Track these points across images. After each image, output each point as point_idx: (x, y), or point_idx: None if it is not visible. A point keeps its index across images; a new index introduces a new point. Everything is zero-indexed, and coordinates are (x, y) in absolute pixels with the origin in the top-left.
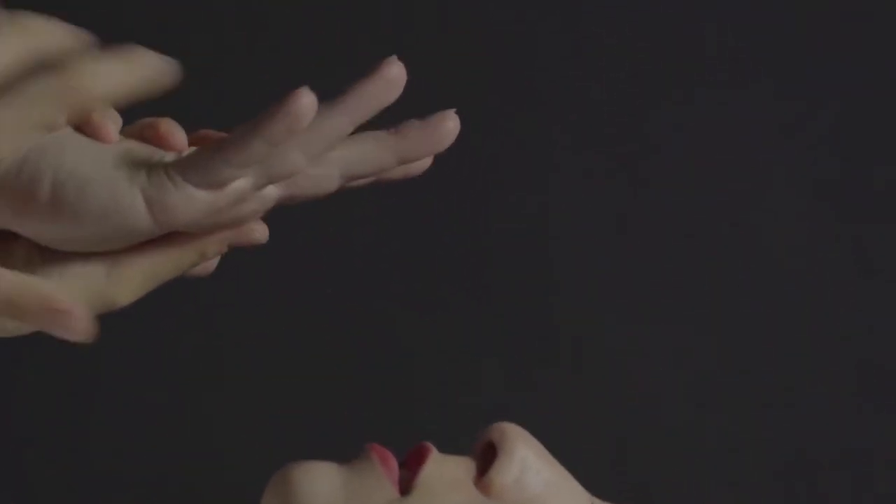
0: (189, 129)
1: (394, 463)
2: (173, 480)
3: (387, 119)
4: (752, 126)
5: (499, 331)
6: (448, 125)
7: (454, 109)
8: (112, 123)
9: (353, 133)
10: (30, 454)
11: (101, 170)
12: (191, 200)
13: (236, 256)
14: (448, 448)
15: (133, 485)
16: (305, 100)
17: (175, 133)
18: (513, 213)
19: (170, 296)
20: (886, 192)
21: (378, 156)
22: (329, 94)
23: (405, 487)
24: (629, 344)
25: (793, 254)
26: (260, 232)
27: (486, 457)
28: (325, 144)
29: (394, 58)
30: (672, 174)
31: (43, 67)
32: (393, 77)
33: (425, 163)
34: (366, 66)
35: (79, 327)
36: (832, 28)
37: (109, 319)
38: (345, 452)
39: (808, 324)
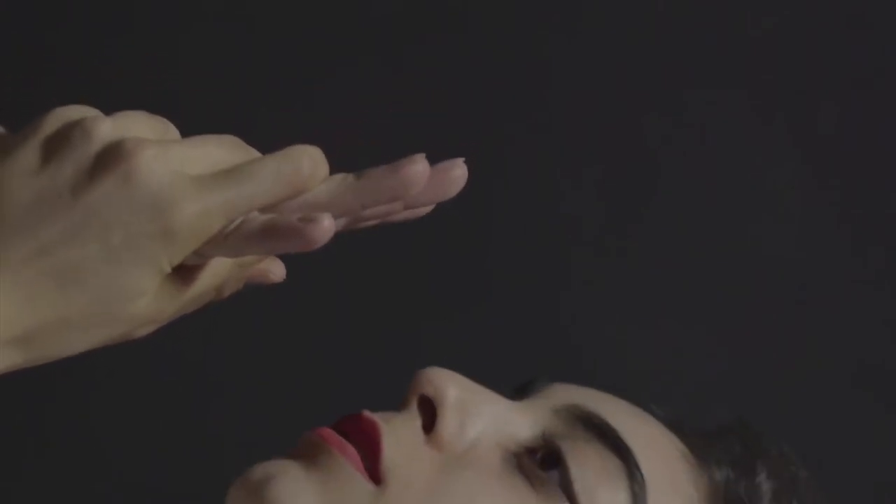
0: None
1: (352, 450)
2: (173, 480)
3: (388, 126)
4: (752, 126)
5: (499, 333)
6: (457, 173)
7: (463, 158)
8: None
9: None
10: (29, 455)
11: None
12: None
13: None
14: None
15: (133, 483)
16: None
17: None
18: (512, 216)
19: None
20: (886, 194)
21: (384, 206)
22: (330, 95)
23: (374, 475)
24: (629, 345)
25: (791, 254)
26: (276, 273)
27: (425, 408)
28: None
29: (421, 156)
30: (672, 174)
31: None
32: (415, 175)
33: (429, 208)
34: (366, 67)
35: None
36: (832, 28)
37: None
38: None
39: (807, 324)
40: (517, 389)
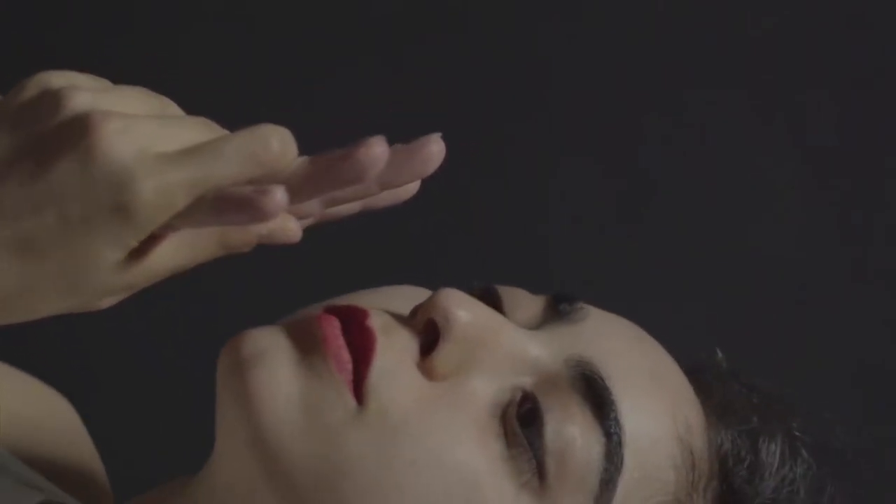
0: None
1: (346, 359)
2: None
3: (388, 126)
4: (752, 126)
5: None
6: (432, 149)
7: (439, 133)
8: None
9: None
10: None
11: None
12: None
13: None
14: None
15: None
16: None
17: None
18: (512, 215)
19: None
20: (886, 194)
21: (361, 186)
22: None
23: (358, 389)
24: None
25: (791, 254)
26: (292, 230)
27: (432, 328)
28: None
29: (378, 139)
30: (672, 174)
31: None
32: (372, 157)
33: (412, 188)
34: (366, 67)
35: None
36: (832, 28)
37: (108, 317)
38: None
39: (807, 324)
40: (556, 298)
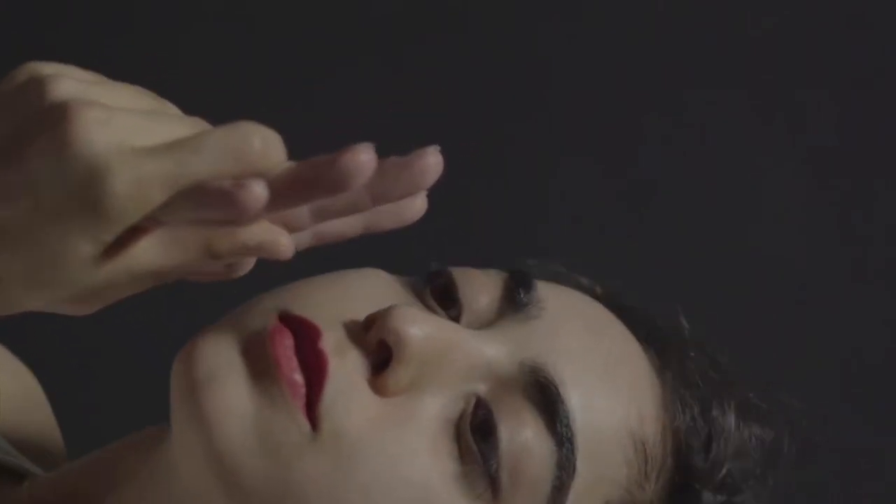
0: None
1: (300, 386)
2: None
3: (388, 127)
4: (752, 126)
5: None
6: (429, 161)
7: (437, 146)
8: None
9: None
10: None
11: None
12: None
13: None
14: None
15: None
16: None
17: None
18: (511, 215)
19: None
20: (886, 194)
21: (353, 197)
22: (333, 96)
23: (311, 412)
24: None
25: (791, 254)
26: (284, 245)
27: (382, 349)
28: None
29: (366, 146)
30: (672, 174)
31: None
32: (360, 164)
33: (419, 208)
34: (366, 67)
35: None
36: (832, 28)
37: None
38: None
39: (807, 324)
40: (514, 280)
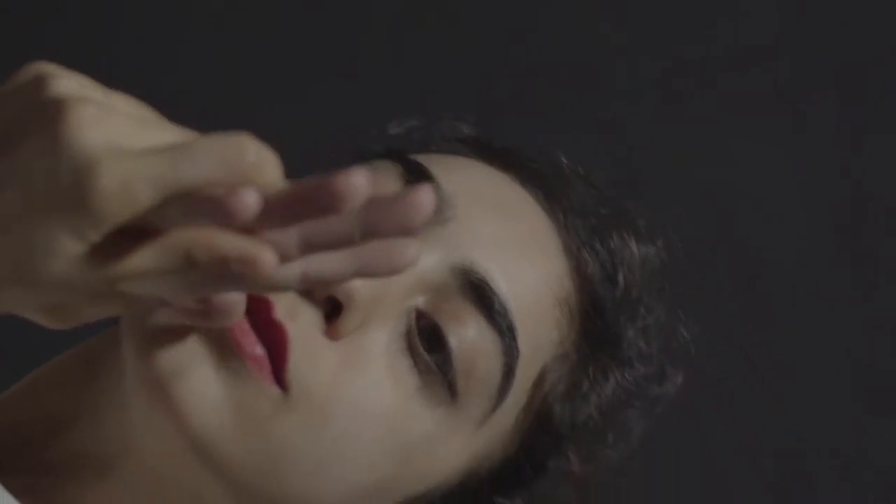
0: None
1: (261, 353)
2: None
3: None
4: (753, 126)
5: None
6: (422, 199)
7: (429, 185)
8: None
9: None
10: None
11: None
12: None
13: None
14: None
15: None
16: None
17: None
18: None
19: None
20: (888, 194)
21: (342, 228)
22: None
23: (280, 379)
24: None
25: (791, 254)
26: (268, 263)
27: (331, 301)
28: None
29: (362, 170)
30: (672, 174)
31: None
32: (353, 187)
33: (412, 256)
34: (366, 68)
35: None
36: (832, 28)
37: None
38: None
39: (806, 325)
40: (408, 172)
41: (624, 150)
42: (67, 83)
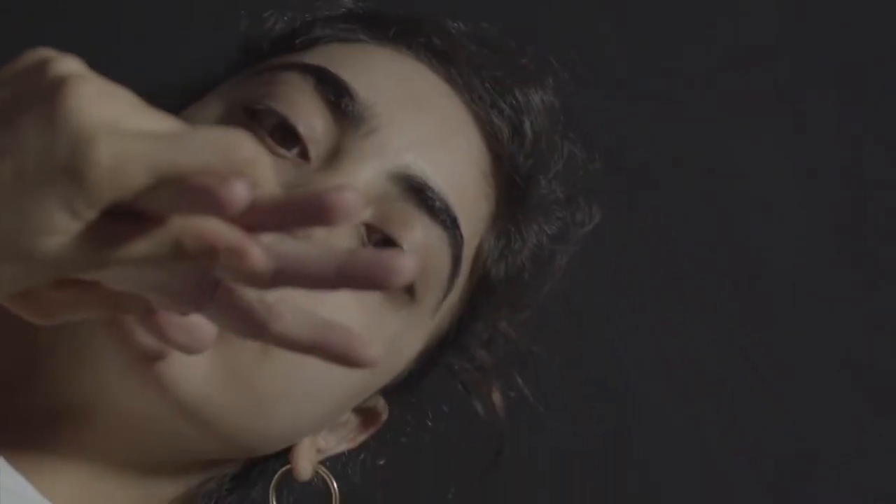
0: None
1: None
2: None
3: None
4: (753, 126)
5: None
6: (404, 264)
7: (415, 256)
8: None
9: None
10: None
11: None
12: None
13: None
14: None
15: None
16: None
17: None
18: None
19: None
20: (888, 194)
21: (320, 267)
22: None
23: None
24: (627, 345)
25: (791, 255)
26: (257, 259)
27: None
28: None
29: (355, 189)
30: (672, 174)
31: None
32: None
33: (371, 357)
34: None
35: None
36: (832, 28)
37: None
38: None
39: (806, 324)
40: (328, 89)
41: (624, 149)
42: (70, 63)
